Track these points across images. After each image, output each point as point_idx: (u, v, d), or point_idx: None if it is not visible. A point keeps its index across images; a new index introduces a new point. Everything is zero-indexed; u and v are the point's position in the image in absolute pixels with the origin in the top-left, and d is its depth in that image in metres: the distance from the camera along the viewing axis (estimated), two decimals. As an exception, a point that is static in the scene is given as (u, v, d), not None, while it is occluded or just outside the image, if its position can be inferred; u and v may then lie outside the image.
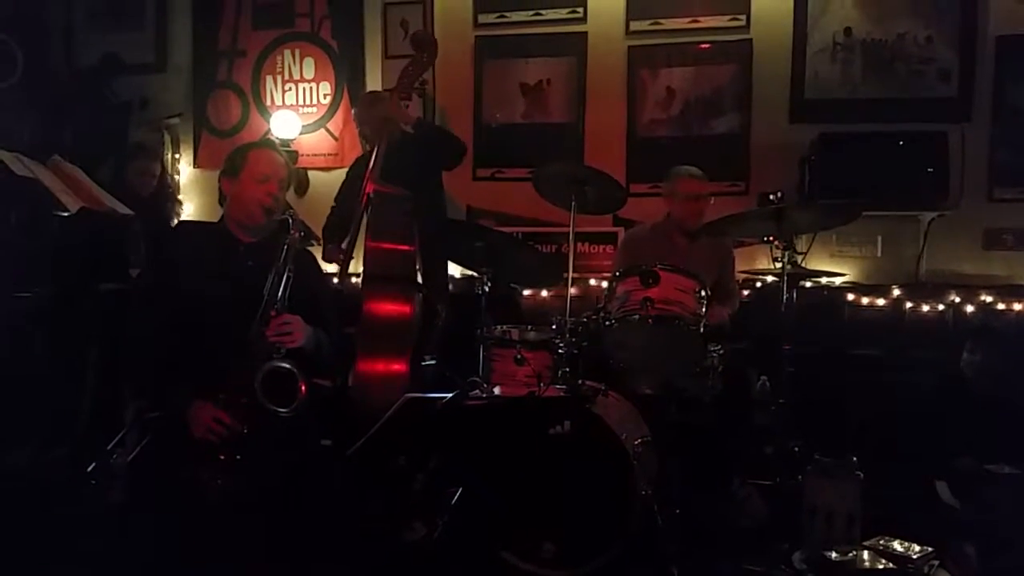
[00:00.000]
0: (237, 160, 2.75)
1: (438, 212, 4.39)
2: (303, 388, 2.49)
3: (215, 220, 2.89)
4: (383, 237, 3.51)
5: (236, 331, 2.53)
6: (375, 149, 3.82)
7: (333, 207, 4.51)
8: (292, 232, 2.63)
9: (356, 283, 3.86)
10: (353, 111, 5.08)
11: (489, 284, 3.51)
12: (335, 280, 4.15)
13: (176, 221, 5.06)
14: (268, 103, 5.50)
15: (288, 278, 2.58)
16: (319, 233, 4.38)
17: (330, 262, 4.20)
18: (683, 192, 4.04)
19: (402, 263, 3.52)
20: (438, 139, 4.32)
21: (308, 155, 5.40)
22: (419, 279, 3.62)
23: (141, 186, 4.66)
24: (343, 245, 3.86)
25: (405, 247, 3.54)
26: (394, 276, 3.46)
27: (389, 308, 3.43)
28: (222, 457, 2.46)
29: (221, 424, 2.46)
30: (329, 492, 2.64)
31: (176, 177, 5.55)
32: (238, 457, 2.47)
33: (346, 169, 4.90)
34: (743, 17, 4.83)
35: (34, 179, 3.78)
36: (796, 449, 3.51)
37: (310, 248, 2.96)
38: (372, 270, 3.46)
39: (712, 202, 4.07)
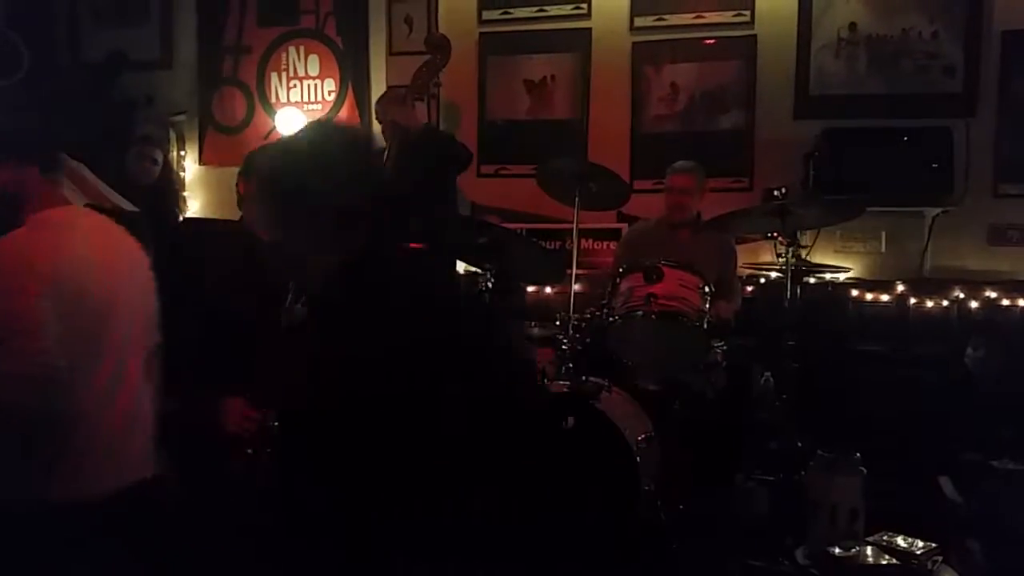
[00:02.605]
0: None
1: (450, 210, 4.40)
2: None
3: (221, 217, 2.91)
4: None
5: (261, 328, 2.54)
6: (387, 148, 3.85)
7: None
8: None
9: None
10: (375, 106, 5.10)
11: (493, 280, 3.52)
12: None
13: (182, 217, 5.06)
14: (273, 100, 5.50)
15: None
16: None
17: None
18: (668, 185, 4.10)
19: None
20: (445, 144, 4.35)
21: (313, 152, 5.39)
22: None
23: (142, 173, 4.62)
24: None
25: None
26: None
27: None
28: (252, 451, 2.48)
29: (251, 419, 2.48)
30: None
31: (181, 174, 5.56)
32: (268, 451, 2.48)
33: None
34: (747, 13, 4.81)
35: (39, 176, 3.78)
36: (799, 444, 3.51)
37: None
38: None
39: (704, 197, 4.09)
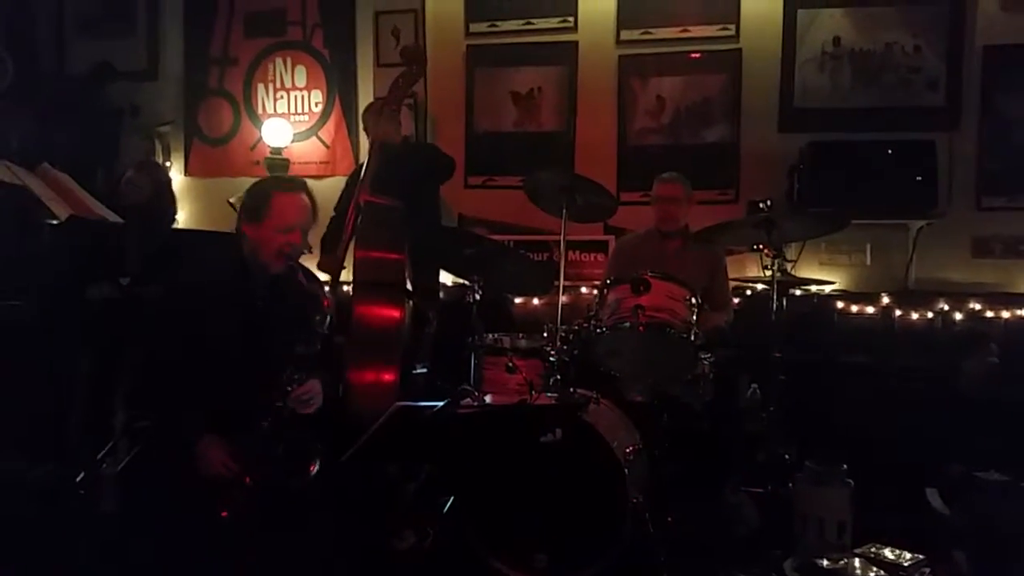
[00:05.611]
0: (261, 205, 2.60)
1: (432, 221, 4.39)
2: (312, 468, 2.51)
3: (207, 228, 2.88)
4: (372, 246, 3.51)
5: (248, 362, 2.50)
6: (367, 160, 3.84)
7: (333, 216, 4.46)
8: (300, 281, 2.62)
9: (346, 292, 3.85)
10: (362, 117, 5.10)
11: (480, 292, 3.51)
12: (326, 288, 4.13)
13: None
14: (259, 111, 5.49)
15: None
16: (315, 243, 4.35)
17: (326, 272, 4.19)
18: (656, 195, 4.12)
19: (391, 271, 3.51)
20: (427, 155, 4.35)
21: (299, 163, 5.39)
22: (409, 287, 3.61)
23: (132, 195, 4.62)
24: (338, 253, 3.85)
25: (394, 255, 3.52)
26: (383, 283, 3.45)
27: (378, 316, 3.42)
28: (231, 485, 2.43)
29: (228, 468, 2.43)
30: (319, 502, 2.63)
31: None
32: (246, 480, 2.44)
33: (340, 177, 4.91)
34: (732, 27, 4.85)
35: (23, 186, 3.76)
36: (787, 456, 3.52)
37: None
38: (361, 278, 3.46)
39: (690, 207, 4.11)
